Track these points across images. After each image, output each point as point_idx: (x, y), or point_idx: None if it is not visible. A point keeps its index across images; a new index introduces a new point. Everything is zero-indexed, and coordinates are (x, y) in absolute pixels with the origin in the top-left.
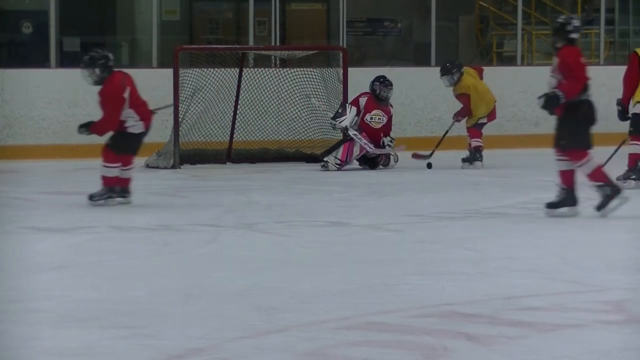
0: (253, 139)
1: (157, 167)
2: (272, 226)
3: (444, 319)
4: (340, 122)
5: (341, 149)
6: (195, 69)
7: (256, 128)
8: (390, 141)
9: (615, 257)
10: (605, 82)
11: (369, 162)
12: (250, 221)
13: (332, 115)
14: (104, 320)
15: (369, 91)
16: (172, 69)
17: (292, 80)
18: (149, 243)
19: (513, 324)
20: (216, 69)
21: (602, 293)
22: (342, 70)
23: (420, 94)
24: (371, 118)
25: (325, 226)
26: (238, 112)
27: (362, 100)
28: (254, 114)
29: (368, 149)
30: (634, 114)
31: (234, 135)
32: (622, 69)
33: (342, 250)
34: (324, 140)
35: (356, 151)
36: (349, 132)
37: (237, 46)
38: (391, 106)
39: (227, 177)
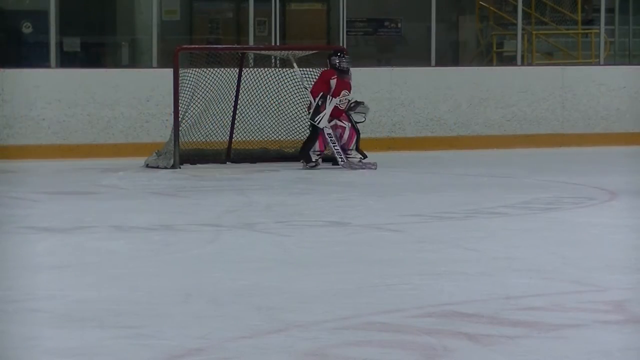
0: (253, 138)
1: (157, 167)
2: (272, 226)
3: (444, 319)
4: (319, 122)
5: (316, 142)
6: (195, 69)
7: (256, 128)
8: (355, 102)
9: (615, 257)
10: (605, 82)
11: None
12: (250, 221)
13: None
14: (104, 320)
15: (330, 68)
16: (172, 69)
17: (292, 80)
18: (149, 243)
19: (513, 324)
20: (216, 69)
21: (602, 293)
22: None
23: (420, 94)
24: (339, 101)
25: (325, 226)
26: (238, 112)
27: (333, 83)
28: (253, 113)
29: (339, 160)
30: None
31: (234, 135)
32: (622, 69)
33: (342, 250)
34: None
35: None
36: (325, 132)
37: (237, 46)
38: (350, 75)
39: (227, 177)
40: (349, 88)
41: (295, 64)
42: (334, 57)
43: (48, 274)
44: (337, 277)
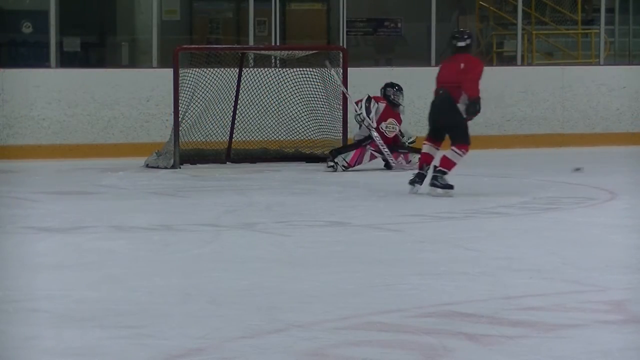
0: (253, 138)
1: (157, 167)
2: (272, 226)
3: (444, 319)
4: (373, 120)
5: (352, 153)
6: (195, 69)
7: (256, 128)
8: (410, 140)
9: (615, 257)
10: (605, 82)
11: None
12: (250, 221)
13: (359, 108)
14: (104, 320)
15: (380, 96)
16: (172, 69)
17: (292, 80)
18: (149, 243)
19: (513, 324)
20: (216, 69)
21: (602, 293)
22: (342, 70)
23: (420, 94)
24: (386, 127)
25: (325, 226)
26: (238, 112)
27: (381, 106)
28: (253, 113)
29: (390, 161)
30: None
31: (234, 135)
32: (622, 69)
33: (342, 250)
34: (324, 140)
35: (366, 159)
36: (373, 135)
37: (237, 46)
38: (402, 111)
39: (227, 177)
40: (398, 120)
41: (332, 70)
42: (389, 88)
43: (48, 274)
44: (337, 277)
